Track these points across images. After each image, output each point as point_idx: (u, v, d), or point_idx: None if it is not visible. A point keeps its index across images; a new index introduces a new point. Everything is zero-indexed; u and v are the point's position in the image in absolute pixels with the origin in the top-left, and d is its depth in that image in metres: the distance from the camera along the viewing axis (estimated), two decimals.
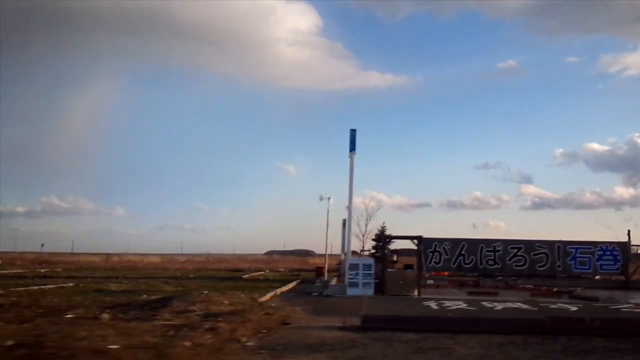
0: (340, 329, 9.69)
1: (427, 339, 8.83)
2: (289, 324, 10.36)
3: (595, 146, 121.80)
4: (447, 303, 15.63)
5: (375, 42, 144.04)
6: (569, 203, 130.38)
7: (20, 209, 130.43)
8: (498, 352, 8.00)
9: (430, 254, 25.86)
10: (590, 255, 25.54)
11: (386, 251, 25.02)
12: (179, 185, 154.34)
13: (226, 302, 12.47)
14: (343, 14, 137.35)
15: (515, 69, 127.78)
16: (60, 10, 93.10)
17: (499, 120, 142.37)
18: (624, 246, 25.66)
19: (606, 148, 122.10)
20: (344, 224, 23.51)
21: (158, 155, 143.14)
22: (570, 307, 15.11)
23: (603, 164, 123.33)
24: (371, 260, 20.52)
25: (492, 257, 25.70)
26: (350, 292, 18.33)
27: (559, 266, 25.29)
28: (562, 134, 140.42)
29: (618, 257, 25.52)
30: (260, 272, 36.79)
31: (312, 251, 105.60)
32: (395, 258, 24.64)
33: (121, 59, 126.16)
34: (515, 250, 25.74)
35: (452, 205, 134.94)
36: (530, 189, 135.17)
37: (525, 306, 15.26)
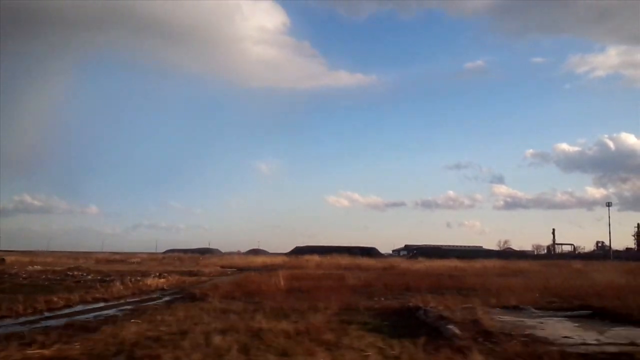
0: None
1: None
2: None
3: (565, 147, 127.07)
4: None
5: (342, 42, 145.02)
6: (541, 203, 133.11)
7: None
8: None
9: None
10: None
11: None
12: (153, 184, 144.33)
13: None
14: (308, 13, 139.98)
15: (483, 69, 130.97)
16: (27, 7, 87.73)
17: (469, 120, 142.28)
18: None
19: (576, 149, 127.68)
20: None
21: (131, 154, 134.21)
22: None
23: (573, 164, 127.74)
24: None
25: None
26: None
27: None
28: (532, 134, 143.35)
29: None
30: None
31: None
32: None
33: (91, 56, 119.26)
34: None
35: (426, 204, 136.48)
36: (502, 189, 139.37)
37: None
